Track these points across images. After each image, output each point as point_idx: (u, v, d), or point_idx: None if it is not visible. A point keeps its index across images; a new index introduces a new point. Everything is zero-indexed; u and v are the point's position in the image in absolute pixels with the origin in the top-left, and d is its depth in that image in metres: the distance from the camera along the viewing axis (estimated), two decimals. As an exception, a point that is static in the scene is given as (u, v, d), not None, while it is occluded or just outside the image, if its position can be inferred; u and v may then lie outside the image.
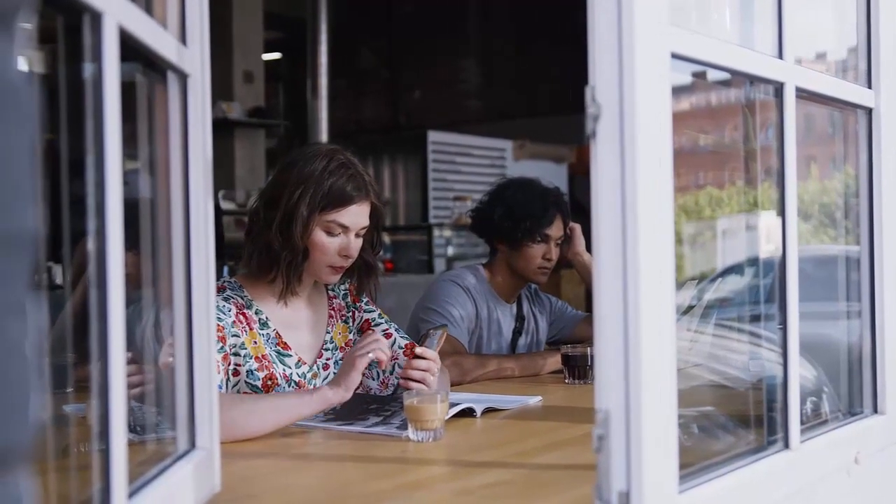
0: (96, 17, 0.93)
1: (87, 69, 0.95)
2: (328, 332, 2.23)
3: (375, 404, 2.05)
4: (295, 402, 1.88)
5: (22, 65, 0.55)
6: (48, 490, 1.04)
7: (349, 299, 2.30)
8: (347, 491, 1.51)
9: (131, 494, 1.01)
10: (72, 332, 1.64)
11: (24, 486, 0.54)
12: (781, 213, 1.44)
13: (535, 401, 2.24)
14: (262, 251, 2.09)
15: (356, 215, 2.09)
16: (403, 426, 1.82)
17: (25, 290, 0.54)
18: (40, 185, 0.56)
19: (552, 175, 5.68)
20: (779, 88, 1.43)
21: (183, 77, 1.27)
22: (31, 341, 0.54)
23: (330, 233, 2.08)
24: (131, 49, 1.04)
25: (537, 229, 2.83)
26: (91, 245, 0.94)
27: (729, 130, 1.93)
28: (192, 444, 1.30)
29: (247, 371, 2.03)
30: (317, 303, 2.24)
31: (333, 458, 1.73)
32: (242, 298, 2.11)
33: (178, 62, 1.23)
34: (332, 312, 2.26)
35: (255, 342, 2.07)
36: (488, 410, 2.09)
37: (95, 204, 0.93)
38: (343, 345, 2.25)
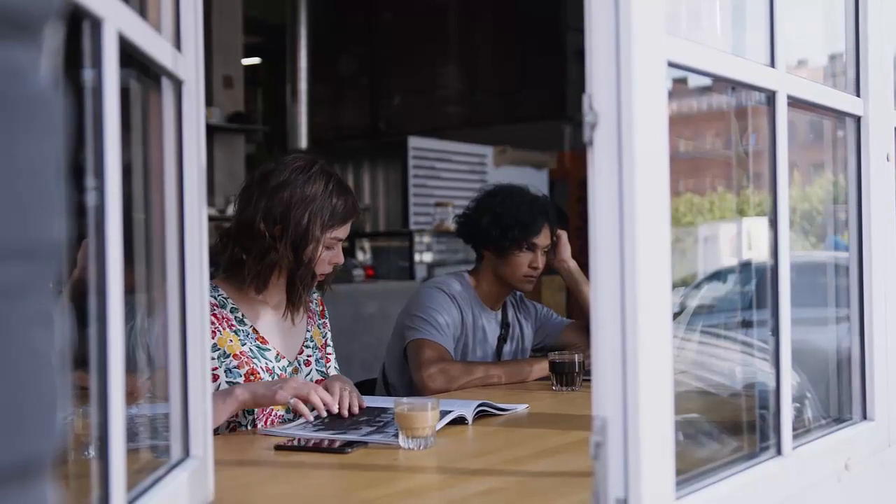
0: (96, 24, 0.92)
1: (86, 74, 0.94)
2: (308, 331, 2.29)
3: (366, 416, 2.05)
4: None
5: (49, 74, 0.54)
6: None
7: (319, 308, 2.38)
8: (340, 499, 1.50)
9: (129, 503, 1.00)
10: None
11: (51, 496, 0.54)
12: (773, 219, 1.44)
13: (522, 408, 2.24)
14: (268, 269, 2.11)
15: (349, 228, 2.21)
16: (398, 435, 1.81)
17: (51, 299, 0.53)
18: (66, 193, 0.55)
19: (532, 181, 5.68)
20: (770, 96, 1.44)
21: (178, 83, 1.26)
22: (56, 351, 0.54)
23: (329, 248, 2.17)
24: (127, 55, 1.03)
25: (525, 238, 2.82)
26: (90, 250, 0.93)
27: (710, 136, 1.94)
28: (187, 453, 1.28)
29: (226, 370, 2.07)
30: None
31: (326, 467, 1.72)
32: (216, 298, 2.12)
33: (173, 68, 1.22)
34: (311, 313, 2.33)
35: (231, 340, 2.09)
36: (481, 412, 2.09)
37: (95, 210, 0.92)
38: (320, 345, 2.31)
